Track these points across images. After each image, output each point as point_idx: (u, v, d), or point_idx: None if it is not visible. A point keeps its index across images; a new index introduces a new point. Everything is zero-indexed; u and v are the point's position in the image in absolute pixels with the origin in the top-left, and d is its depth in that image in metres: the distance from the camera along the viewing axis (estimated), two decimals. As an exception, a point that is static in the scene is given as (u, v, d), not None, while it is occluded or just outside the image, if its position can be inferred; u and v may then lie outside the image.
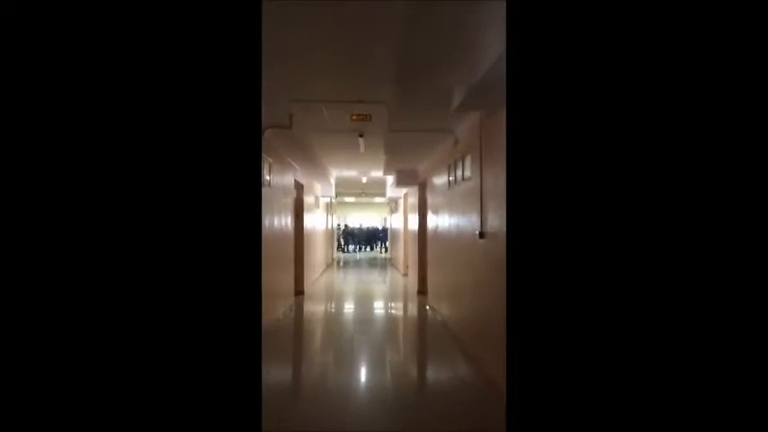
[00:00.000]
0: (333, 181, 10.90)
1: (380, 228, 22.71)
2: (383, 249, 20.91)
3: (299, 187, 7.85)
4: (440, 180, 6.10)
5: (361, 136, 5.76)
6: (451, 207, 5.26)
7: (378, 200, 20.34)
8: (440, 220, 6.06)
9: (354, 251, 21.56)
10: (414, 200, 8.84)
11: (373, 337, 5.35)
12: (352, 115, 4.55)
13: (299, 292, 7.82)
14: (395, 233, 14.86)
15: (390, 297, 8.48)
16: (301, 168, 7.64)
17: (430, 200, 7.01)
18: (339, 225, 21.39)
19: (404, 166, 7.73)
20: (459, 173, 4.97)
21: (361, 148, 6.36)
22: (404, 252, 11.09)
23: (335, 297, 8.34)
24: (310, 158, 7.06)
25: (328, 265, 13.55)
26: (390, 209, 16.86)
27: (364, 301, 7.80)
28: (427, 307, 6.87)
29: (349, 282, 10.60)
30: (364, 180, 11.16)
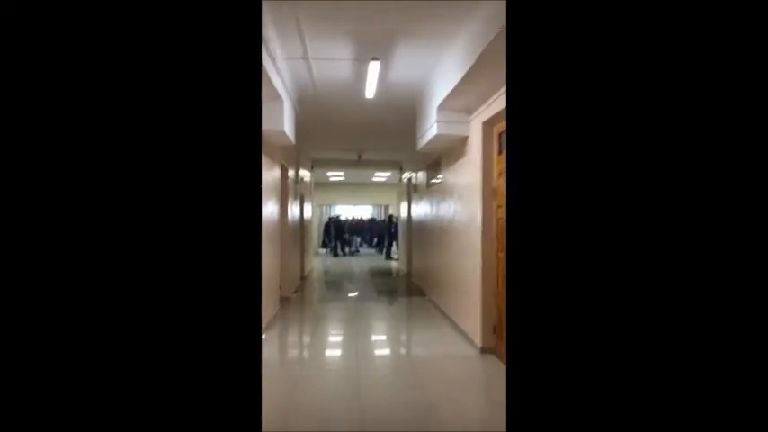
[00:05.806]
0: (285, 92, 4.28)
1: (387, 218, 15.47)
2: (388, 252, 13.94)
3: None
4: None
5: None
6: None
7: (378, 178, 13.61)
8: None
9: (346, 254, 14.85)
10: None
11: None
12: None
13: None
14: (423, 228, 8.05)
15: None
16: None
17: None
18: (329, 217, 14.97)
19: None
20: None
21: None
22: (479, 266, 4.43)
23: None
24: None
25: (286, 301, 6.16)
26: (404, 190, 9.97)
27: None
28: None
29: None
30: (370, 93, 4.50)
